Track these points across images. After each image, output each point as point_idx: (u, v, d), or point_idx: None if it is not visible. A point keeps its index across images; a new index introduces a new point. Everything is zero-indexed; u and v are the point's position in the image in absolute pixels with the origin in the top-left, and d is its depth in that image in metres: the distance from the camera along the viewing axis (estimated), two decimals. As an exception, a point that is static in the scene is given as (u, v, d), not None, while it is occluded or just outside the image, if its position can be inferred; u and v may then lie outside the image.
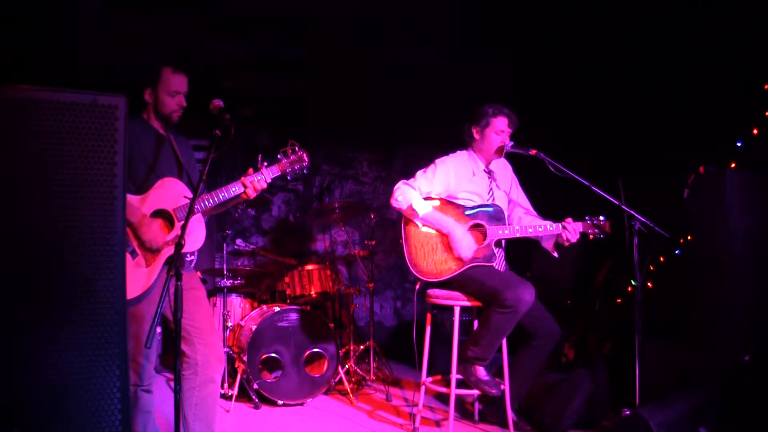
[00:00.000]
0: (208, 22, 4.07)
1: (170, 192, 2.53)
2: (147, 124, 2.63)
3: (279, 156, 2.69)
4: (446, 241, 3.22)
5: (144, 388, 2.45)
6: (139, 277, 2.39)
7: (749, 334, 3.06)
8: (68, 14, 3.78)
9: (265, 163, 2.65)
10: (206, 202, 2.52)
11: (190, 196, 2.54)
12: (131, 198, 2.43)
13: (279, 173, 2.66)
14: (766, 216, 3.16)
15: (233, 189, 2.56)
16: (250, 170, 2.62)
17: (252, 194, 2.57)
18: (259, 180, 2.58)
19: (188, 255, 2.61)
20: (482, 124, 3.35)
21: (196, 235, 2.57)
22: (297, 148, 2.70)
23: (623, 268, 3.92)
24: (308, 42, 4.44)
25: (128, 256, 2.36)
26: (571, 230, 3.16)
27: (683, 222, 3.37)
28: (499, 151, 3.36)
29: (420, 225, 3.25)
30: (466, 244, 3.17)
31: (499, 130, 3.32)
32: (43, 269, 1.65)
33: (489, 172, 3.44)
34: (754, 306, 3.10)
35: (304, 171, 2.72)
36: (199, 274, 2.74)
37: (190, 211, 2.17)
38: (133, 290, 2.34)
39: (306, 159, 2.71)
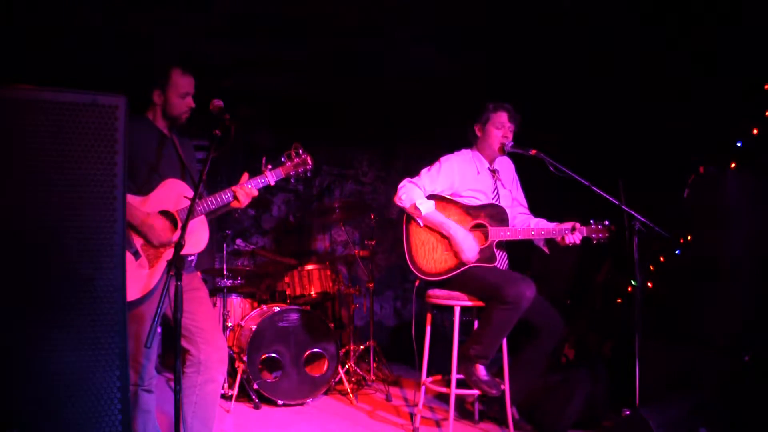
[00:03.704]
0: (208, 22, 4.06)
1: (173, 193, 2.50)
2: (151, 125, 2.59)
3: (282, 159, 2.67)
4: (447, 242, 3.21)
5: (144, 387, 2.44)
6: (142, 278, 2.36)
7: (749, 334, 3.06)
8: (68, 14, 3.78)
9: (269, 166, 2.62)
10: (207, 204, 2.50)
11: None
12: (133, 199, 2.39)
13: (283, 176, 2.64)
14: (766, 216, 3.16)
15: (224, 196, 2.52)
16: (245, 175, 2.58)
17: (244, 201, 2.52)
18: (250, 188, 2.54)
19: (189, 256, 2.59)
20: (483, 120, 3.36)
21: (199, 237, 2.54)
22: (301, 151, 2.68)
23: (623, 268, 3.91)
24: (308, 42, 4.44)
25: (131, 258, 2.34)
26: (578, 233, 3.15)
27: (683, 222, 3.37)
28: (501, 149, 3.34)
29: (422, 224, 3.26)
30: (468, 246, 3.15)
31: (499, 123, 3.32)
32: (43, 269, 1.65)
33: (493, 171, 3.44)
34: (754, 306, 3.10)
35: (308, 174, 2.71)
36: (199, 274, 2.72)
37: (191, 212, 2.16)
38: (135, 292, 2.31)
39: (310, 162, 2.69)
